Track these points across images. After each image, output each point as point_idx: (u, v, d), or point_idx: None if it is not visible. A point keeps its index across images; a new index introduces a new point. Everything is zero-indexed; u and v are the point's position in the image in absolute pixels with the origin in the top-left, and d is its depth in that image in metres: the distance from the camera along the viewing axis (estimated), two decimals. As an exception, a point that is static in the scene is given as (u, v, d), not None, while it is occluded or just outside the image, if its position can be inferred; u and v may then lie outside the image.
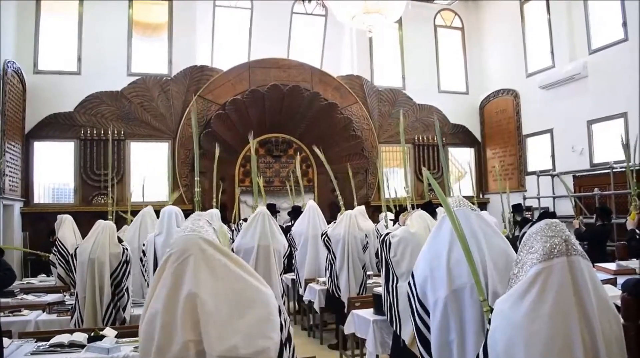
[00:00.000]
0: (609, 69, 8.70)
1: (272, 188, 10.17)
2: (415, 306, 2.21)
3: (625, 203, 7.37)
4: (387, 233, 3.78)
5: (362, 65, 11.29)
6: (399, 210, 5.70)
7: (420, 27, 11.78)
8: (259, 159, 9.80)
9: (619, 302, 2.22)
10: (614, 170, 7.98)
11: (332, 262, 5.57)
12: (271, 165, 10.43)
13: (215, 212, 5.11)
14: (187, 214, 4.04)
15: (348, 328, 4.30)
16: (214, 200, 5.96)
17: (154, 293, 1.51)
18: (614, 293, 2.90)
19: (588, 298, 1.52)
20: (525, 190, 10.60)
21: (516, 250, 1.76)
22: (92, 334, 3.14)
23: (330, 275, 5.55)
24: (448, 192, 3.93)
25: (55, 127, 9.16)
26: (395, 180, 9.73)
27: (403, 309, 3.43)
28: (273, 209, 7.16)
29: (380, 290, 3.93)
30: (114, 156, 8.78)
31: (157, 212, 5.73)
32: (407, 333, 3.35)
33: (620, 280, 3.45)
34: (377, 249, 4.77)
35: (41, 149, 9.18)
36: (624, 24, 8.45)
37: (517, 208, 7.75)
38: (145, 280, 4.43)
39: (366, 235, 5.72)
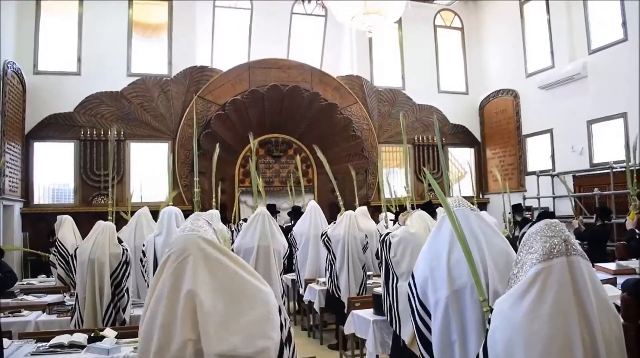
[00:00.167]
0: (608, 69, 8.70)
1: (272, 188, 10.17)
2: (416, 306, 2.21)
3: (625, 203, 7.37)
4: (387, 234, 3.78)
5: (362, 66, 11.30)
6: (399, 210, 5.70)
7: (420, 28, 11.79)
8: (258, 159, 9.80)
9: (618, 302, 2.23)
10: (614, 170, 7.99)
11: (332, 262, 5.57)
12: (271, 165, 10.43)
13: (215, 213, 5.12)
14: (186, 215, 4.06)
15: (348, 329, 4.30)
16: (214, 200, 5.96)
17: (154, 294, 1.51)
18: (614, 293, 2.90)
19: (588, 298, 1.52)
20: (525, 190, 10.61)
21: (516, 251, 1.76)
22: (92, 335, 3.14)
23: (330, 276, 5.55)
24: (448, 193, 3.93)
25: (55, 127, 9.16)
26: (395, 181, 9.74)
27: (403, 309, 3.43)
28: (273, 209, 7.17)
29: (380, 290, 3.93)
30: (114, 156, 8.78)
31: (153, 213, 5.77)
32: (407, 333, 3.35)
33: (620, 280, 3.45)
34: (378, 249, 4.76)
35: (41, 149, 9.18)
36: (624, 24, 8.46)
37: (516, 209, 7.75)
38: (145, 280, 4.43)
39: (366, 236, 5.73)
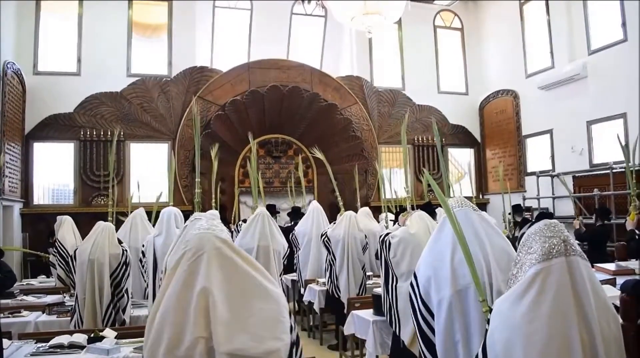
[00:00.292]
0: (608, 69, 8.70)
1: (272, 189, 10.17)
2: (419, 307, 2.20)
3: (624, 203, 7.37)
4: (387, 234, 3.78)
5: (362, 66, 11.30)
6: (399, 210, 5.70)
7: (420, 28, 11.79)
8: (258, 160, 9.80)
9: (617, 302, 2.23)
10: (614, 170, 7.99)
11: (331, 262, 5.57)
12: (271, 166, 10.43)
13: (214, 213, 5.11)
14: (186, 215, 4.06)
15: (348, 329, 4.30)
16: (213, 201, 5.96)
17: (166, 291, 1.51)
18: (613, 293, 2.90)
19: (587, 298, 1.52)
20: (525, 191, 10.61)
21: (516, 251, 1.77)
22: (92, 335, 3.14)
23: (330, 276, 5.55)
24: (448, 193, 3.93)
25: (54, 128, 9.16)
26: (395, 181, 9.74)
27: (402, 310, 3.44)
28: (273, 210, 7.17)
29: (379, 290, 3.93)
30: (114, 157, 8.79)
31: (149, 213, 5.76)
32: (407, 333, 3.35)
33: (620, 280, 3.45)
34: (377, 250, 4.77)
35: (41, 149, 9.18)
36: (624, 25, 8.46)
37: (516, 209, 7.75)
38: (145, 281, 4.43)
39: (366, 236, 5.73)
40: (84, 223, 5.75)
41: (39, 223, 8.48)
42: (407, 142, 4.98)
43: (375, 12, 7.70)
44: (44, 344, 3.07)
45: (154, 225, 5.09)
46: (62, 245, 5.50)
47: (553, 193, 9.72)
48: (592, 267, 1.69)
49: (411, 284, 2.28)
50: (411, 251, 3.52)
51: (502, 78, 11.46)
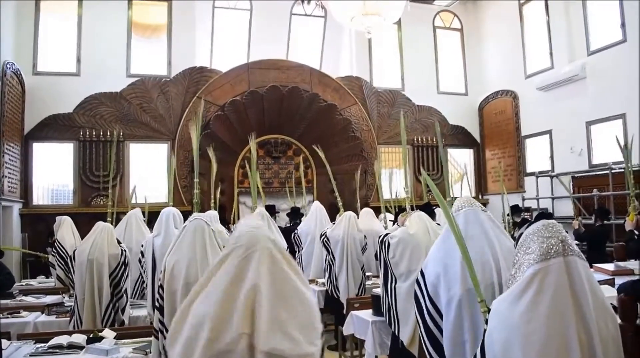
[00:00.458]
0: (607, 70, 8.71)
1: (271, 189, 10.17)
2: (426, 305, 2.18)
3: (624, 204, 7.38)
4: (386, 234, 3.78)
5: (361, 67, 11.30)
6: (398, 211, 5.71)
7: (420, 29, 11.79)
8: (258, 160, 9.80)
9: (615, 302, 2.23)
10: (613, 171, 7.99)
11: (331, 263, 5.57)
12: (270, 166, 10.43)
13: (213, 214, 5.12)
14: (185, 215, 4.06)
15: (347, 329, 4.30)
16: (212, 201, 5.96)
17: (208, 285, 1.51)
18: (612, 293, 2.90)
19: (585, 298, 1.52)
20: (524, 191, 10.61)
21: (515, 251, 1.77)
22: (91, 335, 3.14)
23: (329, 276, 5.55)
24: (448, 194, 3.93)
25: (54, 128, 9.15)
26: (395, 181, 9.73)
27: (401, 310, 3.44)
28: (272, 210, 7.18)
29: (379, 291, 3.93)
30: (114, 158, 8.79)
31: (152, 213, 5.76)
32: (406, 333, 3.36)
33: (618, 280, 3.45)
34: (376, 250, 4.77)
35: (40, 150, 9.17)
36: (623, 25, 8.47)
37: (514, 210, 7.75)
38: (144, 281, 4.43)
39: (365, 236, 5.73)
40: (84, 224, 5.74)
41: (38, 224, 8.47)
42: (406, 142, 4.98)
43: (375, 13, 7.71)
44: (43, 345, 3.08)
45: (149, 226, 5.09)
46: (62, 246, 5.50)
47: (552, 194, 9.73)
48: (591, 267, 1.70)
49: (417, 282, 2.25)
50: (410, 251, 3.52)
51: (501, 78, 11.47)
